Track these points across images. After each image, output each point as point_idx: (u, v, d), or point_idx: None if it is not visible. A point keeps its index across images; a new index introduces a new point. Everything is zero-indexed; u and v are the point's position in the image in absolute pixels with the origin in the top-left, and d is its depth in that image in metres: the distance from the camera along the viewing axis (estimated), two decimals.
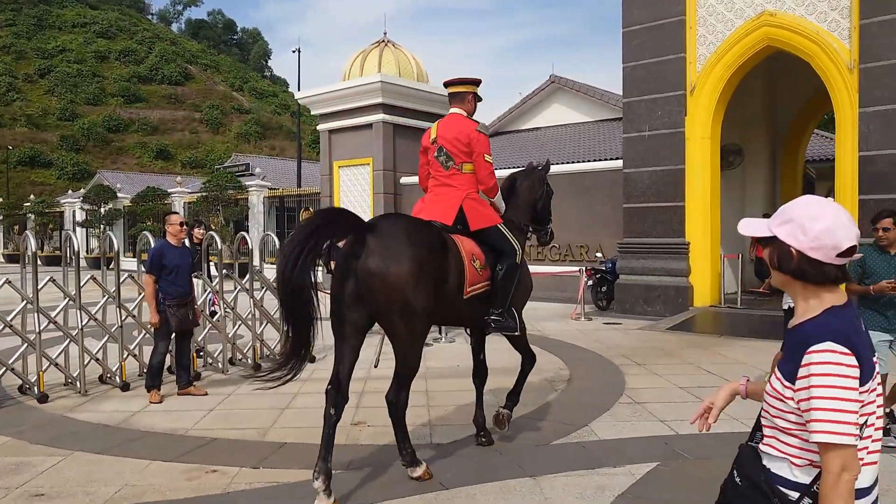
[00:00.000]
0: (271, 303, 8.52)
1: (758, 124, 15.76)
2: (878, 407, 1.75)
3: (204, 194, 24.22)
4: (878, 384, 1.76)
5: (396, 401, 4.31)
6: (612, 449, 4.92)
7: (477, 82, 5.10)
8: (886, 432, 4.97)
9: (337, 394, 4.18)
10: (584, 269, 13.28)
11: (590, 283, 13.33)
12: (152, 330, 6.69)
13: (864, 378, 1.66)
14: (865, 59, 10.60)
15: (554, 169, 16.82)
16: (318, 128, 20.42)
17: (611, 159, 17.84)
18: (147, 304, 6.75)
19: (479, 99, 5.09)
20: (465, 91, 4.99)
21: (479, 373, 5.22)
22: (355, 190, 19.46)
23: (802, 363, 1.69)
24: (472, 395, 6.35)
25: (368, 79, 18.31)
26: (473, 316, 4.75)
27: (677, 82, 12.47)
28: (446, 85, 5.09)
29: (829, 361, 1.64)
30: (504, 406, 5.19)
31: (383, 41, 20.00)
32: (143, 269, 8.02)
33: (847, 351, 1.64)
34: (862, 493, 1.70)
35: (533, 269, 15.05)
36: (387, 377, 7.51)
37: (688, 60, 12.40)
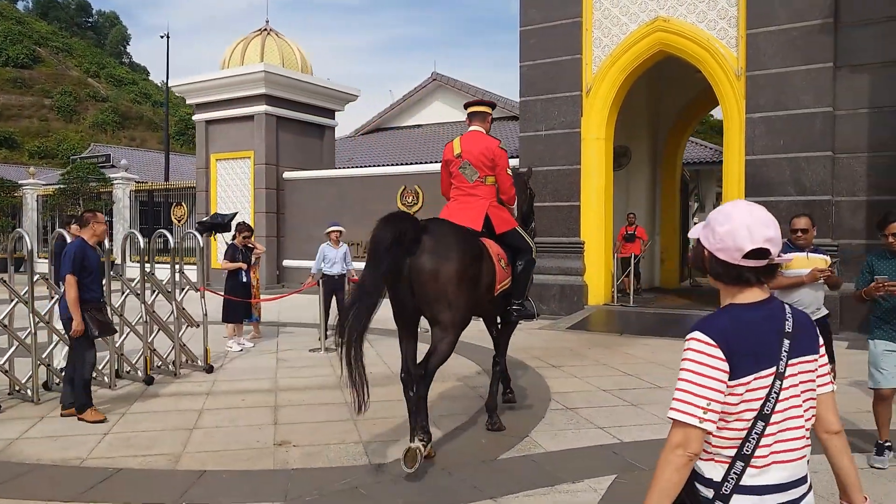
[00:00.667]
0: (163, 307, 7.72)
1: (642, 127, 16.31)
2: (793, 409, 1.77)
3: (62, 187, 22.10)
4: (801, 388, 1.78)
5: (425, 371, 4.63)
6: (564, 462, 4.71)
7: (494, 105, 5.86)
8: (881, 451, 4.69)
9: (409, 378, 4.68)
10: None
11: None
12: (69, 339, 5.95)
13: (741, 371, 1.71)
14: (751, 67, 11.14)
15: None
16: (194, 118, 19.16)
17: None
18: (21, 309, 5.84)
19: (493, 119, 5.77)
20: (484, 111, 5.58)
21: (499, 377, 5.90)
22: (234, 184, 18.41)
23: None
24: (400, 405, 6.11)
25: (251, 68, 17.37)
26: (496, 310, 5.51)
27: (574, 83, 12.61)
28: (467, 106, 5.71)
29: (690, 348, 1.75)
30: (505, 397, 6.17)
31: (265, 29, 19.07)
32: (18, 270, 7.05)
33: (711, 342, 1.72)
34: (765, 490, 1.73)
35: None
36: (294, 388, 7.00)
37: (584, 62, 12.56)
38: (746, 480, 1.73)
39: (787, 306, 1.87)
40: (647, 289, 15.24)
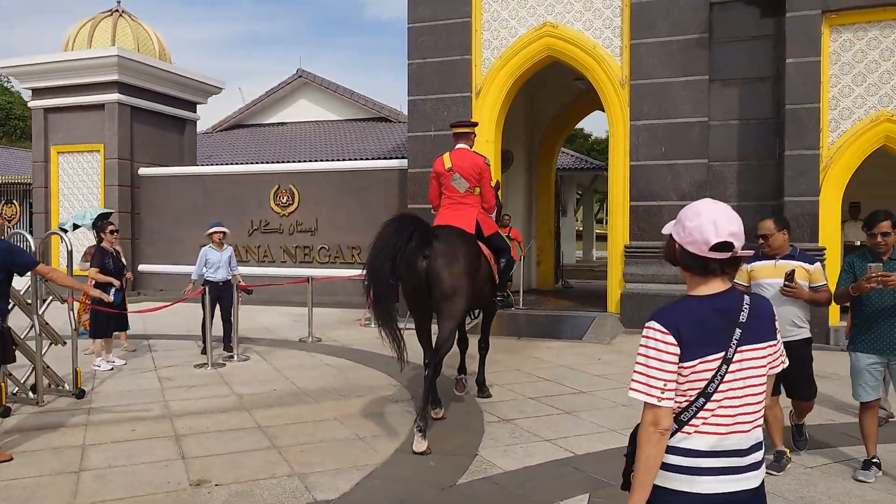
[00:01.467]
0: (21, 321, 6.53)
1: (519, 131, 16.42)
2: (735, 390, 1.95)
3: None
4: (748, 372, 1.97)
5: (437, 361, 5.50)
6: (529, 483, 4.36)
7: (476, 124, 6.77)
8: (868, 466, 4.46)
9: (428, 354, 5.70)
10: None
11: None
12: None
13: (689, 356, 1.92)
14: (635, 76, 11.43)
15: (325, 167, 15.94)
16: (31, 105, 17.07)
17: (382, 158, 17.49)
18: None
19: (475, 136, 6.55)
20: (469, 131, 6.40)
21: (463, 345, 6.74)
22: (80, 180, 16.58)
23: None
24: (323, 426, 5.70)
25: (101, 52, 15.71)
26: (486, 299, 6.22)
27: (464, 83, 12.38)
28: (453, 126, 6.55)
29: (646, 335, 1.97)
30: (468, 378, 6.81)
31: (117, 10, 17.35)
32: None
33: (663, 329, 1.93)
34: (692, 453, 1.94)
35: (303, 271, 13.96)
36: (191, 412, 6.14)
37: (473, 63, 12.36)
38: (674, 442, 1.94)
39: (745, 297, 2.03)
40: (524, 291, 15.32)
